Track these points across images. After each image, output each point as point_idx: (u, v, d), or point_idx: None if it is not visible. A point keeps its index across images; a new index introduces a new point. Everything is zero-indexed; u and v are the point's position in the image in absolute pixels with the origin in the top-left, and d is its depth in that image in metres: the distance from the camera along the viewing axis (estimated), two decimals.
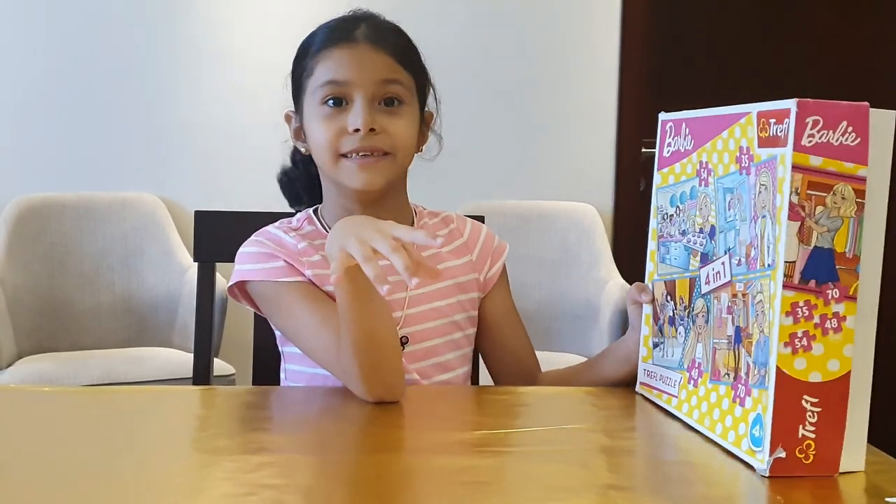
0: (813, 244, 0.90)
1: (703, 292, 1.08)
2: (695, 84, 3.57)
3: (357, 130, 1.25)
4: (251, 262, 1.31)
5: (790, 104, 0.90)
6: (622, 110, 3.54)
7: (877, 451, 1.00)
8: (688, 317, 1.11)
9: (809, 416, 0.90)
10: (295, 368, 1.36)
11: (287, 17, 3.26)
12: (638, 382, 1.23)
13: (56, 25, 3.37)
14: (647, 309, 1.22)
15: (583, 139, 3.57)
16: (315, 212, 1.40)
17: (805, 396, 0.90)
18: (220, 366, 2.86)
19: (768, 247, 0.93)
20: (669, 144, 1.17)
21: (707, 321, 1.06)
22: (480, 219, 1.55)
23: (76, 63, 3.38)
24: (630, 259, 3.25)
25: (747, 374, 0.97)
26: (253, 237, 1.35)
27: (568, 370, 1.43)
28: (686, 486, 0.94)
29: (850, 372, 0.91)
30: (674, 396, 1.13)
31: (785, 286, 0.90)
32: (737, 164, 1.01)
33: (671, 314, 1.16)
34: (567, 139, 3.58)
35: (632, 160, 3.52)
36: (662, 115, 1.20)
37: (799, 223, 0.90)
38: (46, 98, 3.37)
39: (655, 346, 1.20)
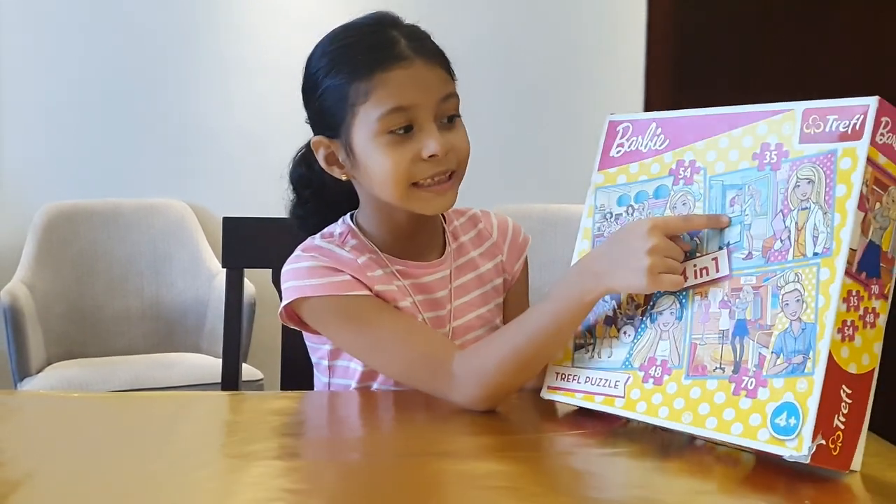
0: (869, 237, 0.92)
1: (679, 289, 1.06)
2: (720, 84, 3.55)
3: (433, 156, 1.19)
4: (309, 277, 1.23)
5: (871, 101, 0.92)
6: (648, 112, 3.52)
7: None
8: (641, 315, 1.09)
9: (843, 407, 0.90)
10: (341, 383, 1.32)
11: (313, 25, 3.26)
12: (545, 387, 1.18)
13: (85, 35, 3.40)
14: None
15: None
16: (353, 220, 1.34)
17: (844, 386, 0.91)
18: (248, 371, 2.87)
19: (817, 236, 0.93)
20: (621, 145, 1.18)
21: (679, 317, 1.05)
22: None
23: (105, 72, 3.41)
24: None
25: (760, 365, 0.95)
26: (302, 252, 1.27)
27: None
28: (710, 488, 0.93)
29: (875, 369, 0.92)
30: (618, 397, 1.08)
31: (846, 273, 0.91)
32: (753, 161, 1.01)
33: (610, 314, 1.13)
34: (593, 142, 3.54)
35: None
36: (611, 117, 1.21)
37: (864, 214, 0.91)
38: (75, 106, 3.40)
39: (579, 347, 1.16)
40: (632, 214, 1.14)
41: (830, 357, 0.90)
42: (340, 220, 1.35)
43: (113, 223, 3.26)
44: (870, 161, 0.91)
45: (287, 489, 0.90)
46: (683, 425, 1.01)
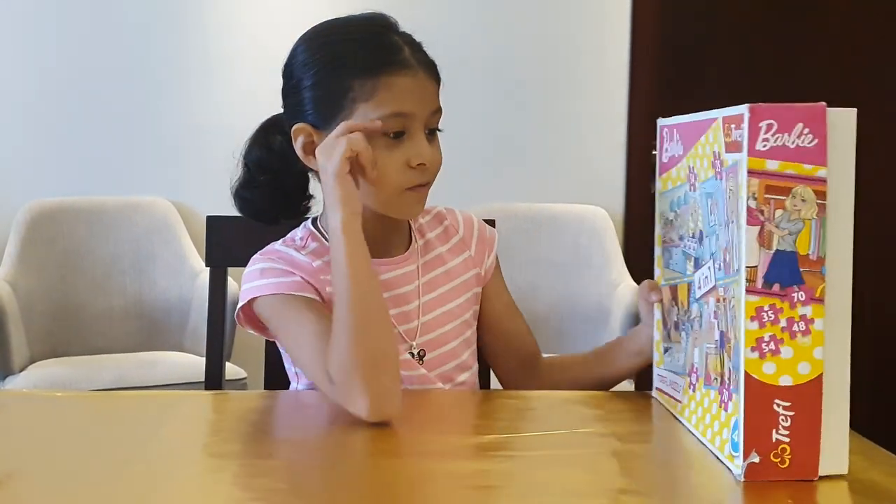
0: (774, 248, 0.89)
1: (696, 297, 1.08)
2: (705, 87, 3.56)
3: (422, 165, 1.22)
4: (262, 278, 1.26)
5: (743, 109, 0.90)
6: (632, 113, 3.53)
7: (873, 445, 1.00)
8: (688, 321, 1.11)
9: (783, 420, 0.90)
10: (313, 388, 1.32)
11: (300, 22, 3.25)
12: (654, 387, 1.23)
13: (67, 30, 3.38)
14: (658, 314, 1.22)
15: (593, 142, 3.57)
16: (314, 225, 1.35)
17: (776, 400, 0.90)
18: (231, 369, 2.86)
19: (736, 252, 0.93)
20: (667, 150, 1.17)
21: (701, 326, 1.06)
22: (491, 222, 1.55)
23: (88, 68, 3.39)
24: (641, 262, 3.23)
25: (729, 378, 0.96)
26: (259, 256, 1.30)
27: (574, 357, 1.43)
28: (697, 491, 0.93)
29: (822, 374, 0.90)
30: (679, 402, 1.13)
31: (748, 291, 0.90)
32: (712, 170, 1.01)
33: (676, 319, 1.16)
34: (578, 142, 3.57)
35: (642, 162, 3.51)
36: (661, 121, 1.20)
37: (758, 227, 0.89)
38: (58, 103, 3.39)
39: (666, 350, 1.20)
40: (677, 220, 1.15)
41: (748, 376, 0.90)
42: (302, 224, 1.36)
43: (96, 221, 3.25)
44: (755, 172, 0.89)
45: (270, 488, 0.90)
46: (699, 433, 1.04)
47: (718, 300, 1.00)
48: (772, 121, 0.89)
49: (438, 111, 1.26)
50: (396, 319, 1.30)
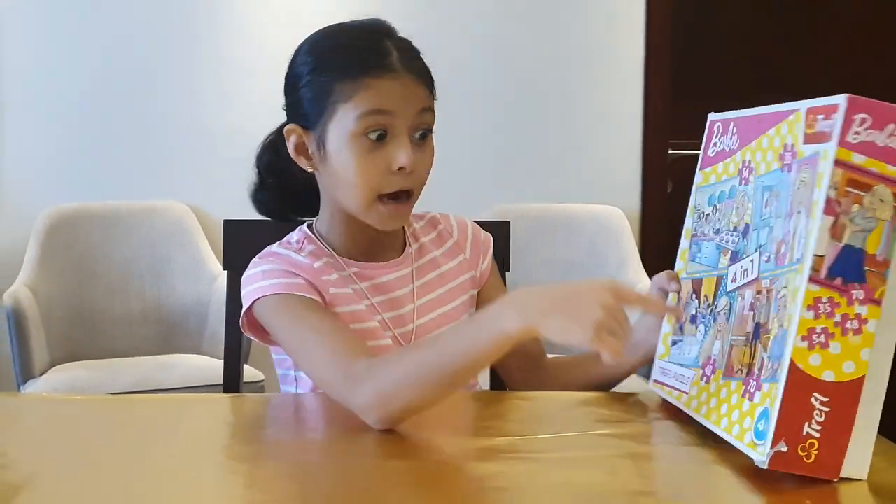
0: (844, 242, 0.89)
1: (728, 290, 1.07)
2: (720, 85, 3.55)
3: (401, 169, 1.21)
4: (264, 279, 1.25)
5: (840, 99, 0.89)
6: (648, 112, 3.52)
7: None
8: (710, 314, 1.11)
9: (817, 415, 0.89)
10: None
11: (314, 25, 3.27)
12: (651, 379, 1.22)
13: (83, 37, 3.40)
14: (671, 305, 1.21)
15: (609, 141, 3.56)
16: (310, 228, 1.36)
17: (815, 394, 0.89)
18: (249, 372, 2.87)
19: (799, 241, 0.93)
20: (715, 144, 1.17)
21: (728, 318, 1.06)
22: (506, 224, 1.55)
23: (105, 74, 3.41)
24: (657, 261, 3.22)
25: (760, 369, 0.96)
26: (259, 259, 1.30)
27: (576, 357, 1.41)
28: (714, 494, 0.93)
29: (864, 376, 0.89)
30: (685, 393, 1.12)
31: (810, 280, 0.89)
32: (779, 162, 1.00)
33: (693, 312, 1.15)
34: (593, 141, 3.57)
35: (658, 162, 3.50)
36: (712, 116, 1.20)
37: (833, 219, 0.89)
38: (76, 110, 3.40)
39: (674, 343, 1.19)
40: (715, 214, 1.14)
41: (793, 364, 0.89)
42: (297, 228, 1.37)
43: (114, 226, 3.26)
44: (841, 163, 0.88)
45: (286, 491, 0.90)
46: (709, 422, 1.03)
47: (760, 291, 0.99)
48: (866, 115, 0.88)
49: (429, 110, 1.25)
50: (392, 322, 1.31)
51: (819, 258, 0.89)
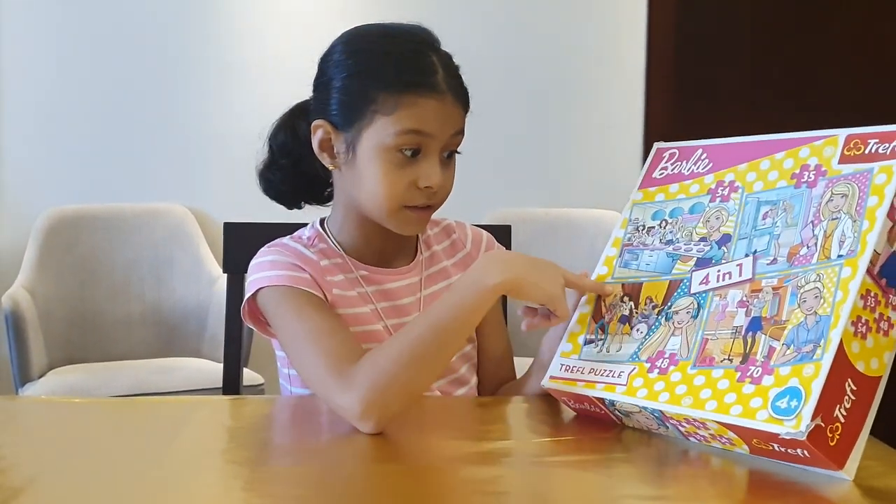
0: (895, 247, 0.97)
1: (692, 291, 1.12)
2: (721, 91, 3.55)
3: (429, 188, 1.22)
4: (272, 269, 1.25)
5: None
6: (649, 117, 3.53)
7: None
8: (658, 314, 1.13)
9: (846, 401, 0.92)
10: (303, 392, 1.33)
11: (316, 28, 3.28)
12: (547, 376, 1.19)
13: (87, 40, 3.41)
14: (585, 309, 1.21)
15: (610, 146, 3.56)
16: (322, 226, 1.36)
17: (849, 380, 0.93)
18: (249, 375, 2.87)
19: (843, 241, 0.99)
20: (665, 168, 1.26)
21: (696, 316, 1.09)
22: (507, 228, 1.54)
23: (106, 76, 3.42)
24: None
25: (768, 356, 0.98)
26: (268, 249, 1.30)
27: (520, 378, 1.39)
28: (712, 495, 0.93)
29: (882, 377, 0.94)
30: (620, 384, 1.10)
31: (867, 272, 0.95)
32: (791, 180, 1.10)
33: (626, 313, 1.17)
34: (595, 147, 3.57)
35: None
36: (659, 145, 1.30)
37: (893, 224, 0.97)
38: (77, 111, 3.41)
39: (588, 342, 1.19)
40: (664, 227, 1.21)
41: (841, 346, 0.93)
42: (310, 224, 1.37)
43: (114, 228, 3.27)
44: None
45: (286, 495, 0.90)
46: (682, 408, 1.02)
47: (757, 290, 1.04)
48: None
49: (460, 133, 1.25)
50: (395, 329, 1.29)
51: (876, 254, 0.96)
